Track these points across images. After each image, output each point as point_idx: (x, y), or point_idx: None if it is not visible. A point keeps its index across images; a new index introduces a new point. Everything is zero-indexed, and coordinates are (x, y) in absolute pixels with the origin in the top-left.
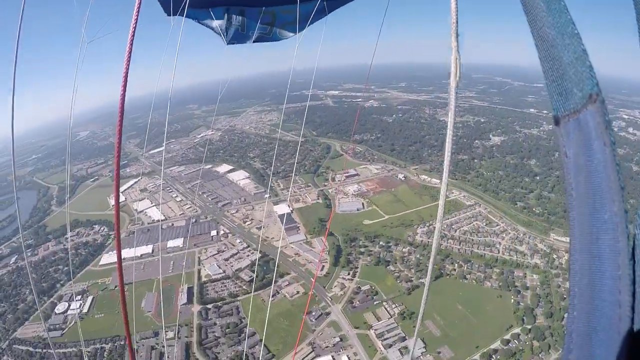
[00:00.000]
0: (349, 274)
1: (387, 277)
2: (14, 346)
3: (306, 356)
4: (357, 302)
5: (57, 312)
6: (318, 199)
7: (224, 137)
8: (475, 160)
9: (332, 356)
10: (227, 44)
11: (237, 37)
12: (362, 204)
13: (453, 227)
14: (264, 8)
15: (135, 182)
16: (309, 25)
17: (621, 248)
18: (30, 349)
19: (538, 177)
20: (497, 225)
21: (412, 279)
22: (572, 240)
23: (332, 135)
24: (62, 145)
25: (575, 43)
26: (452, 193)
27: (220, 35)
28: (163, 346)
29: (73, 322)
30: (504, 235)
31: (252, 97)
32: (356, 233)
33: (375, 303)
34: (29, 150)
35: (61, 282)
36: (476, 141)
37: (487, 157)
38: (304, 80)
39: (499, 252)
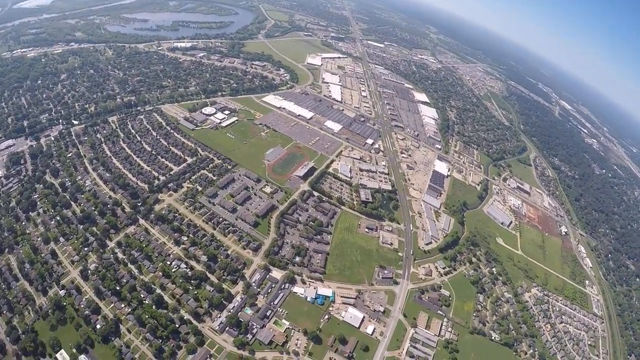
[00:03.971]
0: (444, 268)
1: (469, 302)
2: (153, 114)
3: (348, 297)
4: (426, 297)
5: (203, 112)
6: (478, 184)
7: (441, 71)
8: (639, 280)
9: (364, 317)
10: None
11: None
12: (511, 222)
13: (563, 316)
14: None
15: (339, 57)
16: None
17: None
18: (164, 123)
19: None
20: (598, 355)
21: (487, 323)
22: None
23: (536, 141)
24: None
25: None
26: (591, 288)
27: None
28: (255, 193)
29: (208, 127)
30: None
31: (489, 54)
32: (482, 241)
33: (438, 312)
34: None
35: (222, 93)
36: None
37: None
38: (550, 75)
39: None
